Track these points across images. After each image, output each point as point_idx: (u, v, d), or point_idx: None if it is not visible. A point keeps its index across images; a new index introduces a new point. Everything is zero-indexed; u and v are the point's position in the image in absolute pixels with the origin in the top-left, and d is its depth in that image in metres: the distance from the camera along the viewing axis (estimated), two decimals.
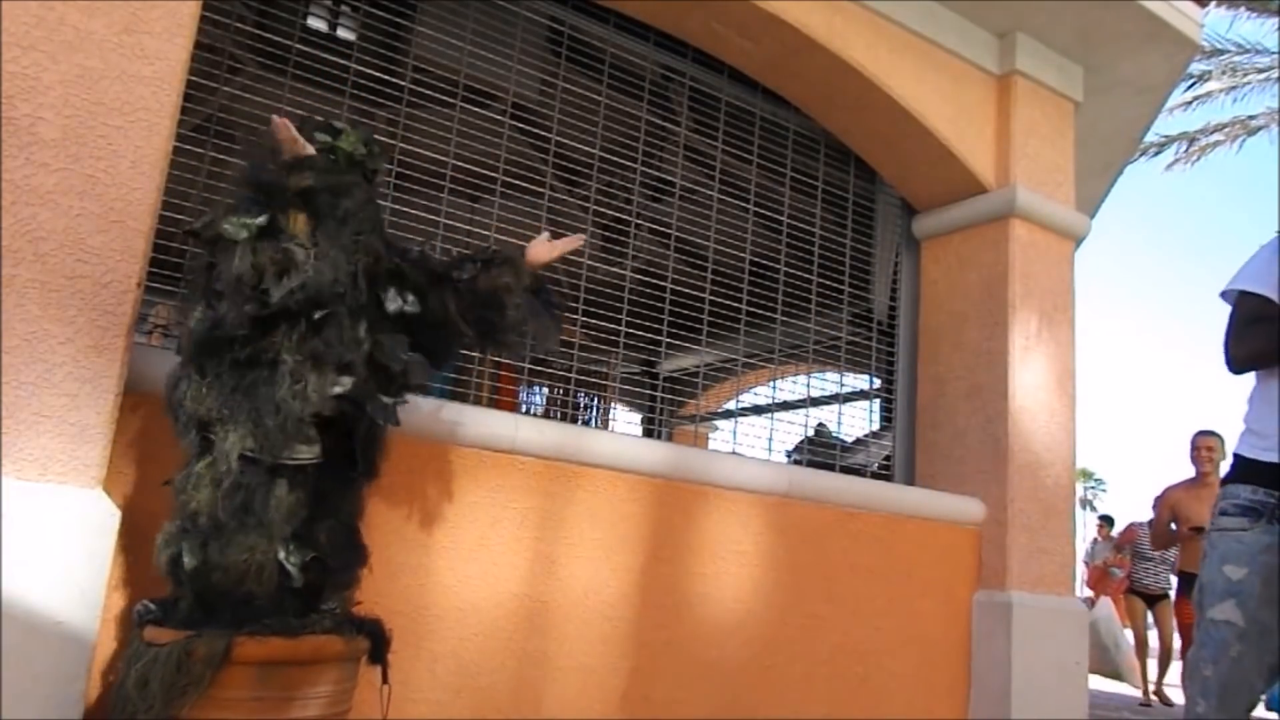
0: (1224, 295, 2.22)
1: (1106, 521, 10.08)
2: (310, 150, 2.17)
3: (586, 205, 4.12)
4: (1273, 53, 11.23)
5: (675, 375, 5.93)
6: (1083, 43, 4.33)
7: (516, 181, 3.53)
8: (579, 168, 4.21)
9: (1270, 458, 2.07)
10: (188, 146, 2.90)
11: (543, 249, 2.47)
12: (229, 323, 1.98)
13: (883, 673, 3.70)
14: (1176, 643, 6.76)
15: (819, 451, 4.19)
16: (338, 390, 2.02)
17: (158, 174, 2.19)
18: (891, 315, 4.51)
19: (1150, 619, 7.51)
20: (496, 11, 3.56)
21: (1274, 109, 11.59)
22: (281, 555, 1.93)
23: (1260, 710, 2.10)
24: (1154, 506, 5.96)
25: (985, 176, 4.22)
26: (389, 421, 2.11)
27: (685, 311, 3.90)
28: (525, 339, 2.47)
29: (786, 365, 4.43)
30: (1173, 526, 5.77)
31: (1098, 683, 6.58)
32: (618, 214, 4.31)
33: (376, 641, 2.16)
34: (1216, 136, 11.92)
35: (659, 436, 5.91)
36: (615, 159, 3.84)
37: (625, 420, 7.32)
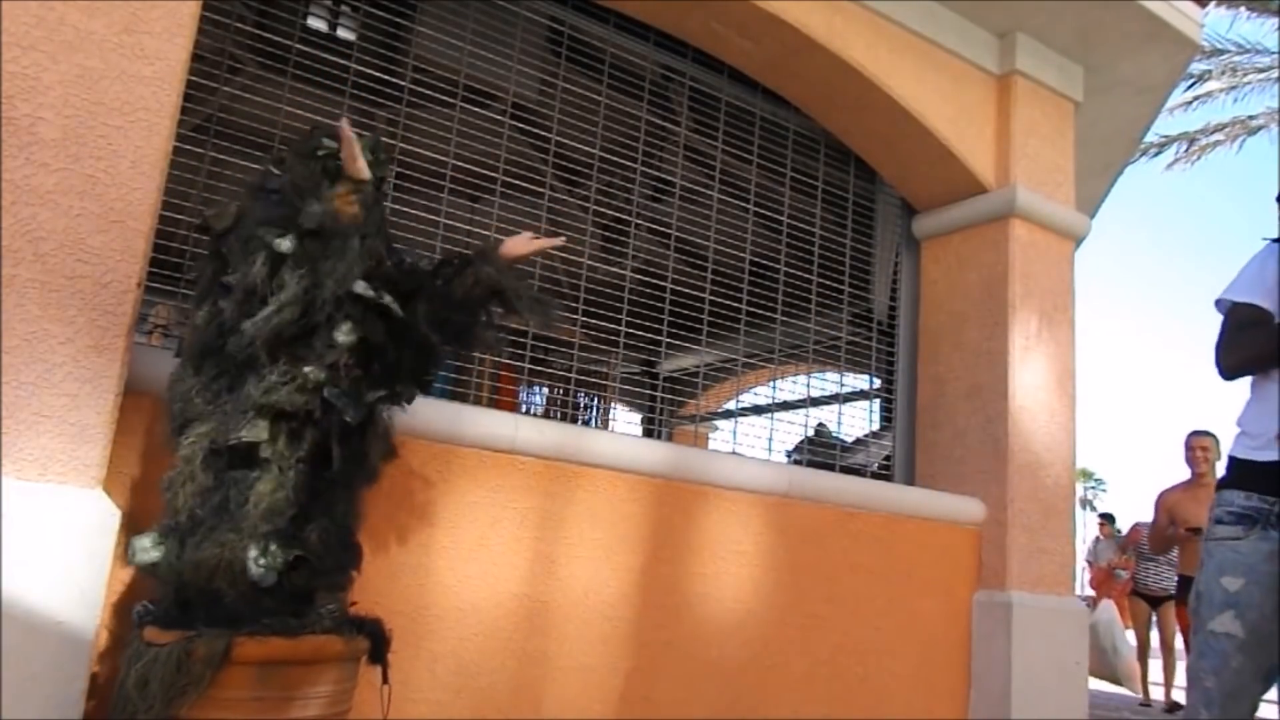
0: (1217, 304, 2.23)
1: (1108, 520, 10.01)
2: (366, 174, 2.19)
3: (586, 205, 4.12)
4: (1273, 53, 11.24)
5: (675, 375, 5.93)
6: (1083, 43, 4.33)
7: (516, 181, 3.53)
8: (579, 168, 4.21)
9: (1263, 457, 2.07)
10: (188, 146, 2.90)
11: (519, 244, 2.43)
12: (229, 321, 2.00)
13: (883, 673, 3.70)
14: (1179, 644, 6.73)
15: (819, 451, 4.19)
16: (309, 386, 2.02)
17: (158, 174, 2.19)
18: (891, 315, 4.51)
19: (1154, 620, 7.47)
20: (496, 11, 3.56)
21: (1274, 109, 11.60)
22: (253, 554, 1.91)
23: (1260, 710, 2.10)
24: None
25: (985, 176, 4.22)
26: (357, 418, 2.09)
27: (685, 311, 3.90)
28: (500, 337, 2.47)
29: (786, 365, 4.43)
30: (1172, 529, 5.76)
31: (1097, 684, 6.56)
32: (618, 214, 4.31)
33: (376, 641, 2.16)
34: (1216, 136, 11.93)
35: (659, 436, 5.91)
36: (615, 159, 3.84)
37: (625, 420, 7.32)
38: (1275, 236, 2.20)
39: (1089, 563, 9.82)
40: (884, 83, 3.93)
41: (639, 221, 4.07)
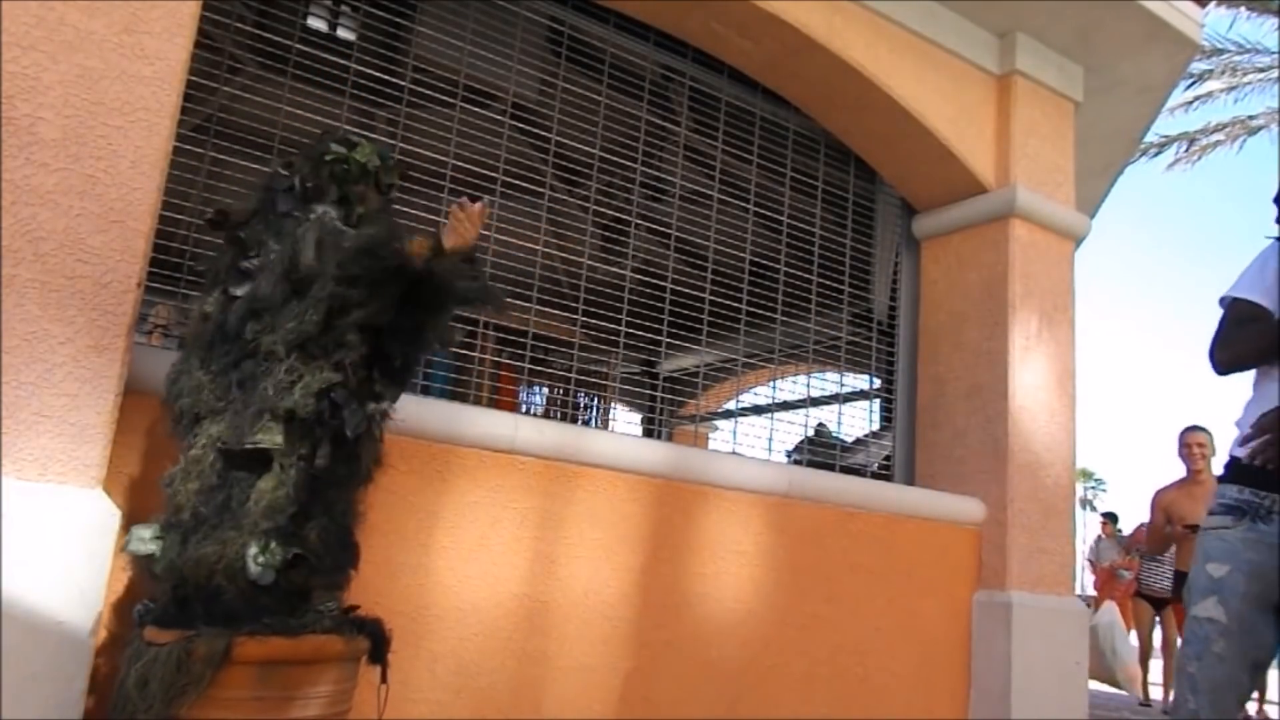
0: (1220, 301, 2.26)
1: (1110, 519, 9.97)
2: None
3: (586, 205, 4.13)
4: (1273, 52, 11.24)
5: (675, 375, 5.92)
6: (1083, 43, 4.33)
7: (516, 181, 3.53)
8: (579, 168, 4.21)
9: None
10: (188, 146, 2.90)
11: (456, 229, 2.24)
12: (262, 294, 2.03)
13: (883, 673, 3.70)
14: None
15: (819, 451, 4.19)
16: (322, 387, 2.03)
17: (158, 174, 2.19)
18: (891, 315, 4.51)
19: (1158, 621, 7.43)
20: (496, 11, 3.56)
21: (1274, 109, 11.59)
22: (252, 551, 1.92)
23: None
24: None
25: (985, 176, 4.22)
26: (355, 431, 2.10)
27: (685, 311, 3.90)
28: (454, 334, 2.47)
29: (786, 365, 4.43)
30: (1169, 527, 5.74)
31: (1096, 685, 6.55)
32: (618, 214, 4.31)
33: (376, 641, 2.16)
34: (1217, 136, 11.93)
35: (659, 436, 5.91)
36: (615, 159, 3.84)
37: (625, 420, 7.32)
38: (1277, 235, 2.22)
39: (1091, 563, 9.79)
40: (884, 83, 3.93)
41: (639, 222, 4.07)
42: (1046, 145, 4.37)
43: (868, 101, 4.02)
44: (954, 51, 4.18)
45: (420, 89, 3.35)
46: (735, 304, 3.96)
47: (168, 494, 1.99)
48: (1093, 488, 52.02)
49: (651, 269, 4.24)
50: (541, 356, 3.83)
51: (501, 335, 4.53)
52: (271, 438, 1.98)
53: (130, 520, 2.13)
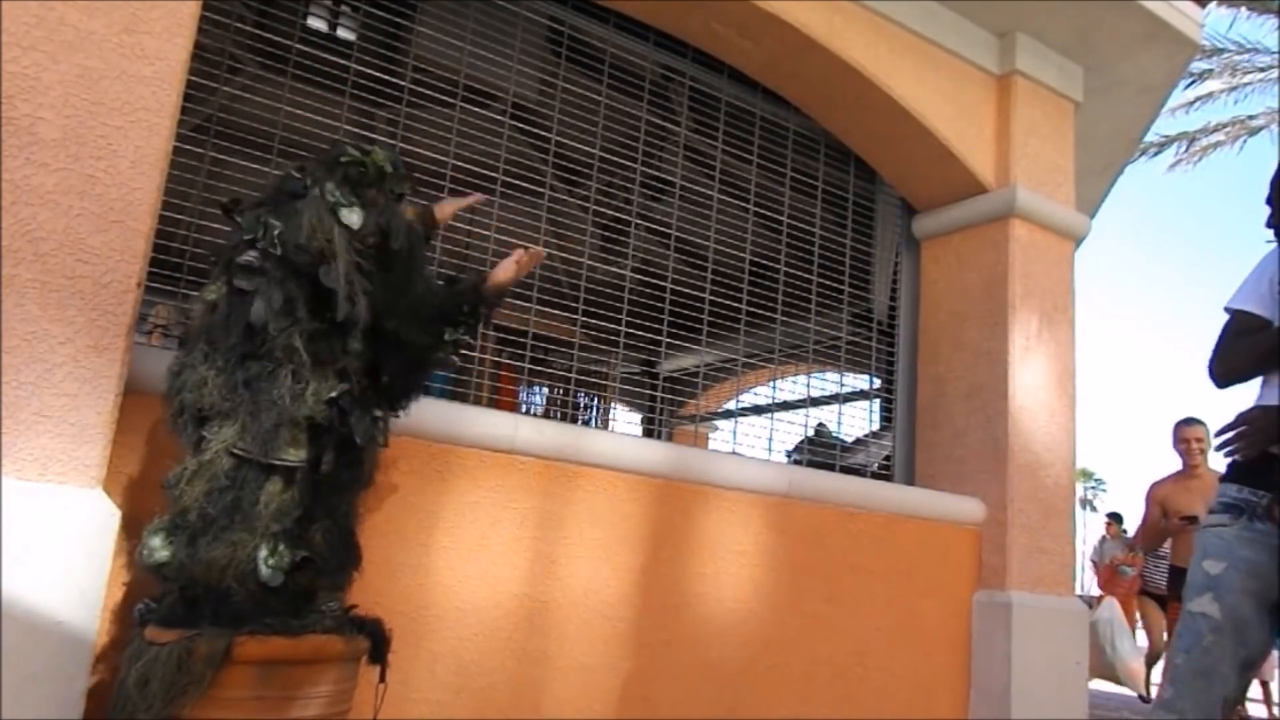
0: (1225, 310, 2.26)
1: (1115, 519, 9.95)
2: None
3: (586, 205, 4.13)
4: (1273, 52, 11.24)
5: (675, 375, 5.93)
6: (1083, 43, 4.33)
7: (516, 181, 3.53)
8: (579, 168, 4.22)
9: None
10: (188, 146, 2.90)
11: (507, 268, 2.44)
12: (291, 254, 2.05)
13: (883, 673, 3.70)
14: None
15: (819, 451, 4.19)
16: (332, 395, 2.04)
17: (158, 174, 2.19)
18: (891, 315, 4.51)
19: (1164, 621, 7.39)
20: (496, 11, 3.56)
21: (1274, 109, 11.59)
22: (263, 553, 1.92)
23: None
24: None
25: (985, 176, 4.22)
26: (364, 439, 2.12)
27: (685, 311, 3.90)
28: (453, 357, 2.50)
29: (786, 365, 4.43)
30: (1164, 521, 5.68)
31: (1097, 683, 6.55)
32: (618, 214, 4.31)
33: (376, 641, 2.17)
34: (1217, 136, 11.93)
35: (659, 436, 5.91)
36: (615, 159, 3.84)
37: (625, 420, 7.32)
38: (1276, 241, 2.22)
39: (1094, 563, 9.76)
40: (884, 83, 3.93)
41: (639, 221, 4.07)
42: (1046, 145, 4.37)
43: (868, 101, 4.02)
44: (954, 51, 4.18)
45: (420, 89, 3.35)
46: (735, 304, 3.96)
47: (172, 495, 1.98)
48: (1093, 488, 52.05)
49: (651, 269, 4.24)
50: (541, 356, 3.83)
51: (501, 335, 4.54)
52: (298, 454, 2.00)
53: (130, 520, 2.13)
